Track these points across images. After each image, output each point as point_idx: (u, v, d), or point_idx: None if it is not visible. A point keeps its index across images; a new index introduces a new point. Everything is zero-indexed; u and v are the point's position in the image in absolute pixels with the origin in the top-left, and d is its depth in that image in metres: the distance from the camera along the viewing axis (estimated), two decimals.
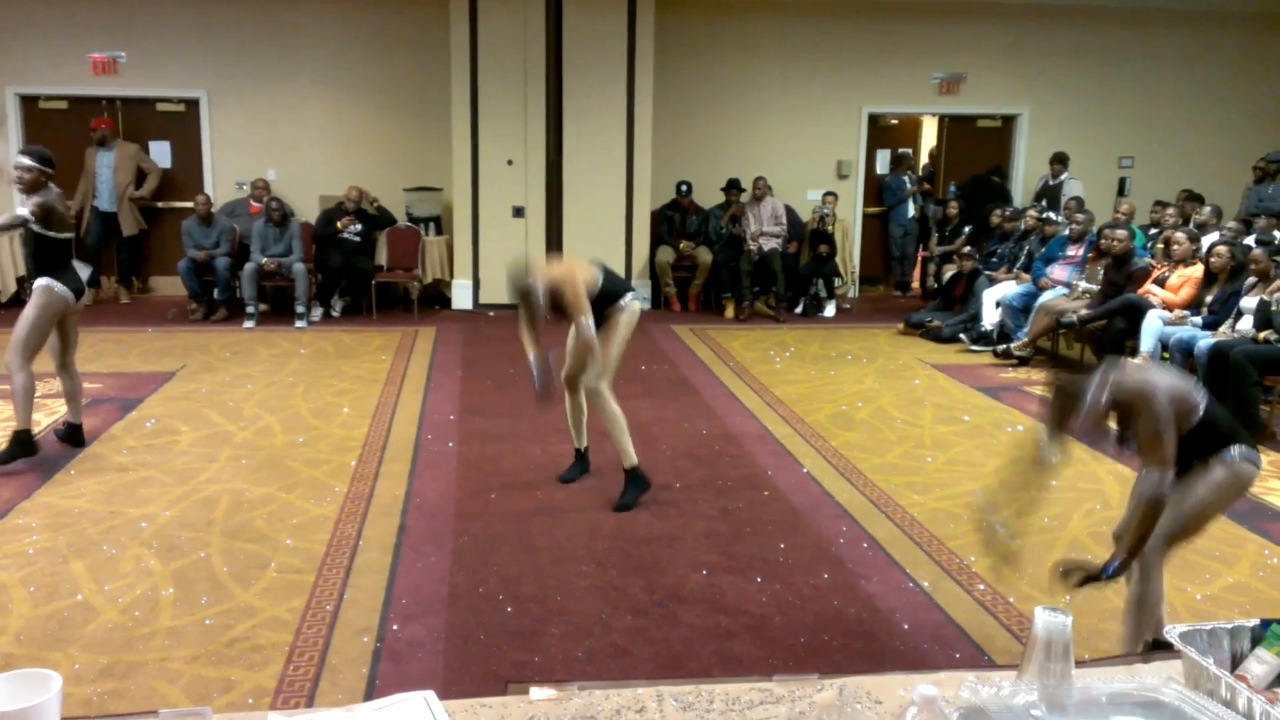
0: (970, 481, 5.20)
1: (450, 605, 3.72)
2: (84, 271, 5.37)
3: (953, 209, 10.54)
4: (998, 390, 7.12)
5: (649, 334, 8.85)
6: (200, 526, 4.42)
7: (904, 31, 10.95)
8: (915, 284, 11.48)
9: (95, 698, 3.06)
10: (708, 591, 3.88)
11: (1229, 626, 1.67)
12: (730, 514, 4.69)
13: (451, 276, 10.14)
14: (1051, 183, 10.60)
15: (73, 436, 5.49)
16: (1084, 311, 7.63)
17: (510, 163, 9.83)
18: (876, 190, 11.50)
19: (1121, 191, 11.38)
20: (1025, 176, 11.46)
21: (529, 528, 4.48)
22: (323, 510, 4.64)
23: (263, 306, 9.34)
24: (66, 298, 5.14)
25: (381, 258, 9.79)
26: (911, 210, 11.27)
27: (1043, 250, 8.74)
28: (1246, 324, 6.46)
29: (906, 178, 11.30)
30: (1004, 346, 8.20)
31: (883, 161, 11.54)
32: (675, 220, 10.26)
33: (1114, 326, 7.36)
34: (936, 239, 10.72)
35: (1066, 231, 8.62)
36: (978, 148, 11.60)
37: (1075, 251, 8.41)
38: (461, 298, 10.09)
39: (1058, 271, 8.42)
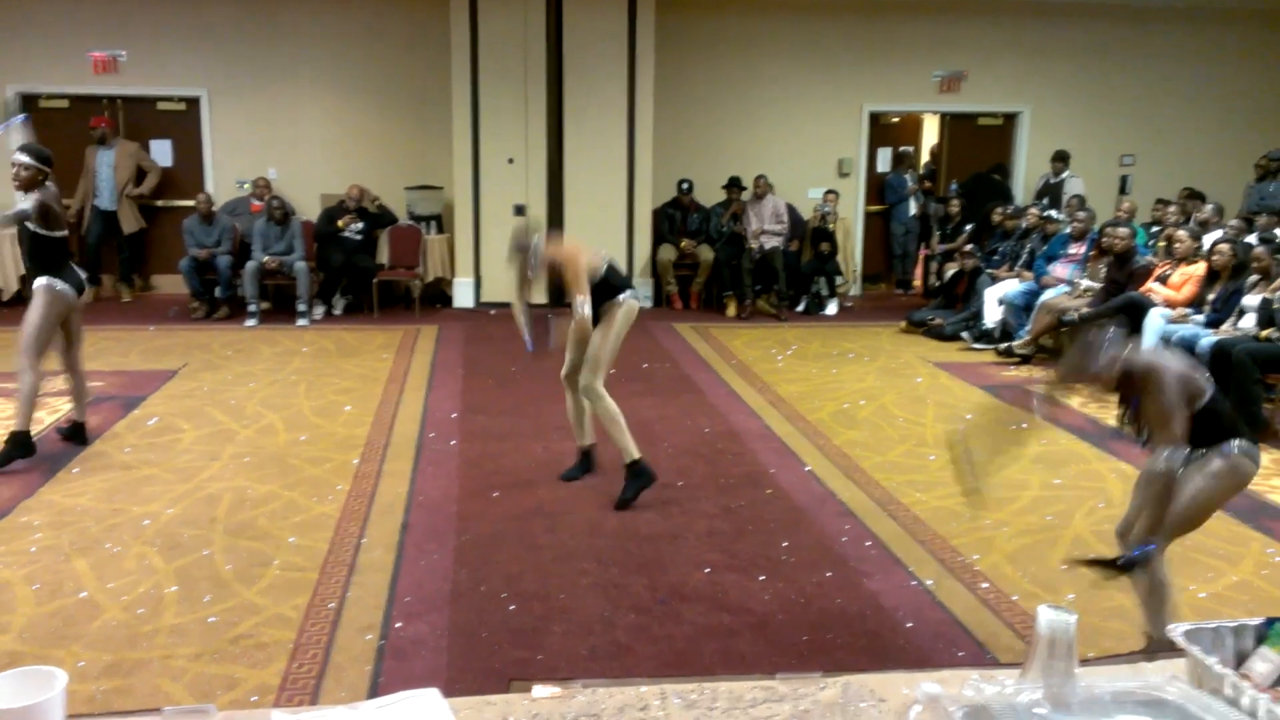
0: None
1: (453, 603, 3.73)
2: (79, 272, 5.36)
3: (954, 207, 10.53)
4: (1000, 389, 7.11)
5: (651, 332, 8.85)
6: (203, 524, 4.43)
7: (905, 29, 10.94)
8: (917, 282, 11.46)
9: (99, 695, 3.06)
10: (710, 589, 3.88)
11: (1233, 625, 1.66)
12: (733, 512, 4.69)
13: (453, 275, 10.14)
14: (1053, 180, 10.59)
15: (76, 434, 5.49)
16: (1086, 310, 7.62)
17: (511, 161, 9.83)
18: (878, 188, 11.48)
19: (1123, 189, 11.36)
20: (1027, 174, 11.44)
21: (531, 526, 4.49)
22: (325, 508, 4.65)
23: (264, 305, 9.34)
24: (68, 295, 5.14)
25: (383, 256, 9.79)
26: (913, 208, 11.26)
27: (1044, 248, 8.73)
28: (1248, 322, 6.45)
29: (908, 176, 11.29)
30: (1006, 345, 8.20)
31: (884, 159, 11.53)
32: (677, 218, 10.25)
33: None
34: (938, 237, 10.71)
35: (1068, 229, 8.61)
36: (979, 145, 11.58)
37: (1077, 249, 8.40)
38: (463, 296, 10.09)
39: (1059, 269, 8.41)
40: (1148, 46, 11.27)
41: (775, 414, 6.37)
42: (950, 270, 9.71)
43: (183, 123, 10.40)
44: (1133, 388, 3.03)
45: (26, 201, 5.02)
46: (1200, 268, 7.15)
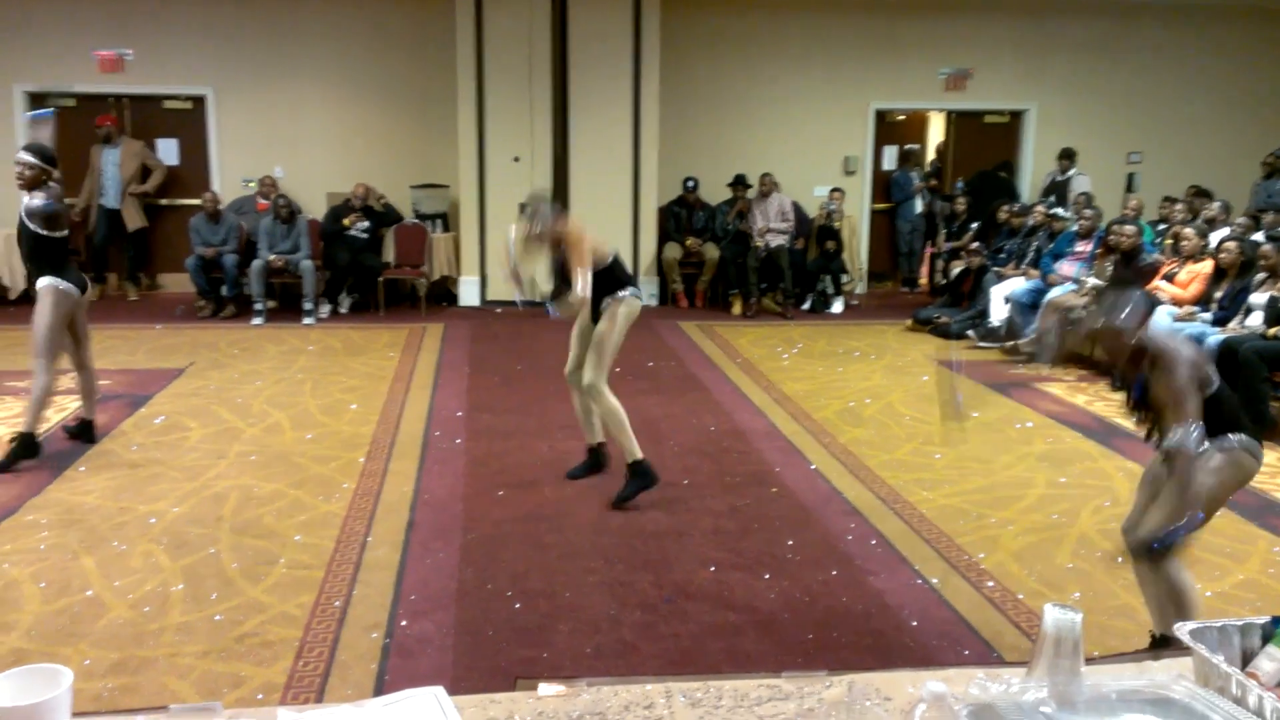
0: (980, 478, 5.19)
1: (459, 601, 3.73)
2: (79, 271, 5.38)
3: (960, 205, 10.52)
4: (1006, 387, 7.10)
5: (656, 330, 8.85)
6: (209, 523, 4.44)
7: (911, 27, 10.92)
8: (923, 280, 11.45)
9: (106, 693, 3.07)
10: (716, 588, 3.88)
11: (1239, 623, 1.66)
12: (738, 510, 4.69)
13: (459, 273, 10.15)
14: (1059, 178, 10.57)
15: (84, 433, 5.51)
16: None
17: (517, 159, 9.83)
18: (884, 186, 11.47)
19: (1130, 187, 11.34)
20: (1033, 172, 11.42)
21: (537, 524, 4.49)
22: (331, 507, 4.65)
23: (270, 303, 9.36)
24: (73, 294, 5.14)
25: (389, 254, 9.80)
26: (919, 206, 11.25)
27: (1051, 246, 8.71)
28: (1256, 320, 6.43)
29: (914, 174, 11.28)
30: (1012, 343, 8.18)
31: (890, 157, 11.52)
32: (682, 216, 10.25)
33: None
34: (944, 235, 10.70)
35: (1075, 227, 8.59)
36: (985, 143, 11.56)
37: (1084, 247, 8.38)
38: (469, 294, 10.10)
39: (1066, 267, 8.39)
40: (1155, 43, 11.24)
41: (781, 412, 6.37)
42: (956, 268, 9.70)
43: (189, 121, 10.42)
44: (1140, 364, 2.99)
45: (36, 199, 5.01)
46: (1207, 265, 7.13)
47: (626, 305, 4.66)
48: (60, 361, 5.28)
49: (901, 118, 11.71)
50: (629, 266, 9.50)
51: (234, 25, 10.14)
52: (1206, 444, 2.96)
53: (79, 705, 1.46)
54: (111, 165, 9.80)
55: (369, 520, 4.51)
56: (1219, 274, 6.96)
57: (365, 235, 9.53)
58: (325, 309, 9.46)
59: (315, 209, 10.04)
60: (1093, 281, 8.04)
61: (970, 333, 8.67)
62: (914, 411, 6.43)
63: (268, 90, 10.31)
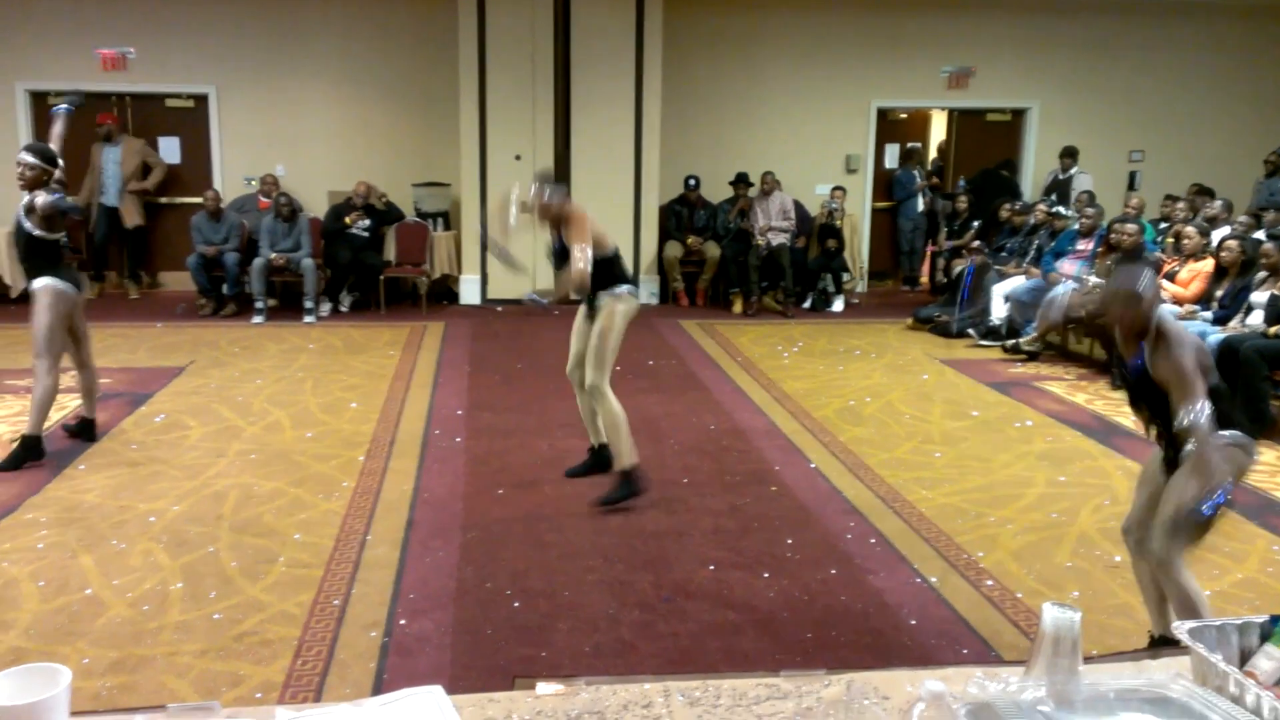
0: (978, 477, 5.19)
1: (458, 600, 3.73)
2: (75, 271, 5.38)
3: (962, 203, 10.51)
4: (1007, 385, 7.10)
5: (656, 329, 8.85)
6: (209, 521, 4.44)
7: (913, 25, 10.92)
8: (924, 279, 11.45)
9: (104, 692, 3.07)
10: (715, 587, 3.88)
11: (1237, 622, 1.66)
12: (738, 509, 4.68)
13: (460, 272, 10.15)
14: (1061, 176, 10.56)
15: (84, 431, 5.51)
16: (1093, 307, 7.58)
17: (519, 158, 9.82)
18: (885, 185, 11.47)
19: (1132, 185, 11.33)
20: (1035, 170, 11.42)
21: (537, 523, 4.49)
22: (331, 505, 4.65)
23: (271, 302, 9.36)
24: (69, 294, 5.13)
25: (390, 253, 9.80)
26: (920, 205, 11.24)
27: (1052, 244, 8.70)
28: (1257, 319, 6.43)
29: (916, 172, 11.27)
30: (1013, 341, 8.18)
31: (892, 156, 11.51)
32: (683, 215, 10.25)
33: None
34: (945, 233, 10.68)
35: (1076, 226, 8.58)
36: (987, 142, 11.56)
37: (1085, 246, 8.37)
38: (470, 293, 10.10)
39: (1067, 266, 8.38)
40: (1157, 41, 11.23)
41: (781, 411, 6.36)
42: (957, 267, 9.69)
43: (191, 120, 10.42)
44: (1143, 341, 2.95)
45: (41, 196, 5.00)
46: (1208, 264, 7.12)
47: (625, 304, 4.63)
48: (61, 361, 5.27)
49: (903, 116, 11.70)
50: (630, 265, 9.54)
51: (236, 24, 10.14)
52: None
53: (77, 704, 1.46)
54: (112, 163, 9.80)
55: (368, 519, 4.51)
56: (1220, 272, 6.95)
57: (366, 233, 9.52)
58: (326, 307, 9.45)
59: (316, 207, 10.04)
60: (1094, 280, 8.04)
61: (971, 331, 8.66)
62: (914, 410, 6.43)
63: (269, 89, 10.31)
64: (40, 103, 10.08)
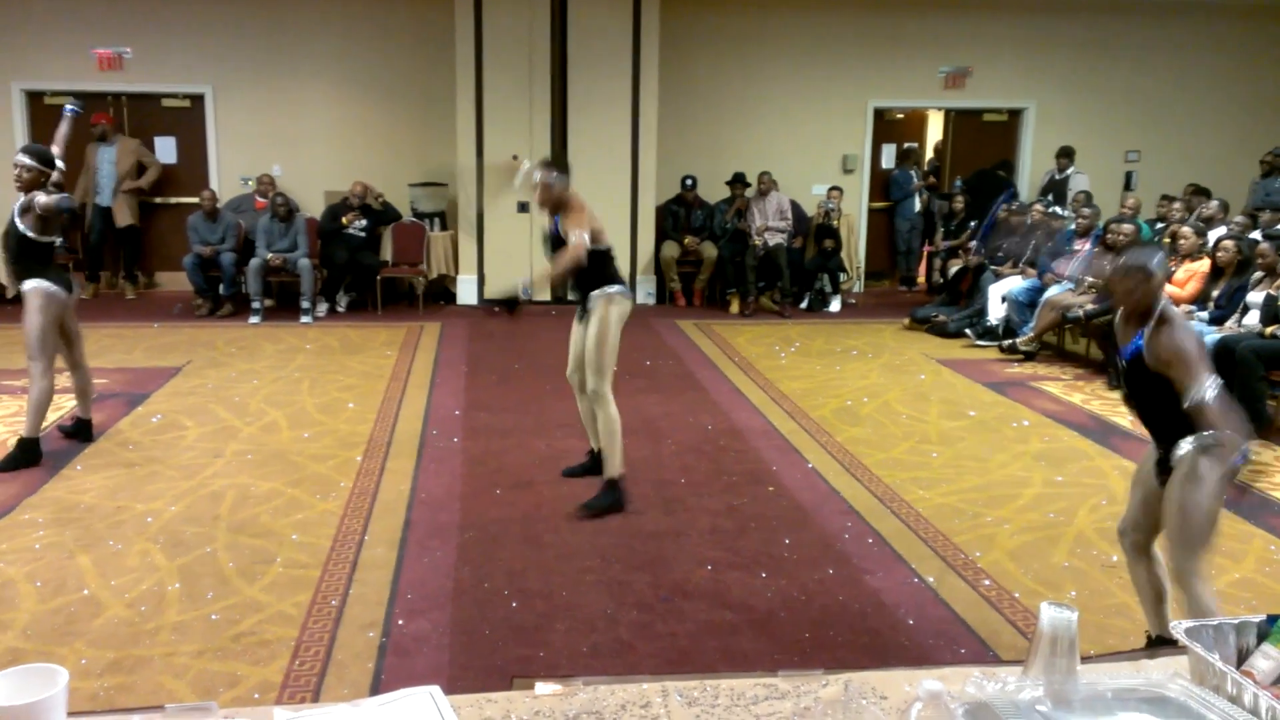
0: (975, 477, 5.20)
1: (455, 600, 3.73)
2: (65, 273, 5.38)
3: (958, 203, 10.52)
4: (1003, 385, 7.11)
5: (654, 329, 8.85)
6: (206, 522, 4.43)
7: (910, 25, 10.92)
8: (921, 279, 11.46)
9: (102, 692, 3.07)
10: (713, 587, 3.88)
11: (1235, 622, 1.66)
12: (735, 509, 4.68)
13: (456, 272, 10.14)
14: (1058, 177, 10.57)
15: (81, 432, 5.50)
16: (1090, 306, 7.60)
17: (516, 158, 9.82)
18: (882, 185, 11.47)
19: (1128, 186, 11.33)
20: (1032, 170, 11.42)
21: (534, 523, 4.49)
22: (328, 505, 4.65)
23: (268, 302, 9.35)
24: (60, 295, 5.12)
25: (387, 253, 9.79)
26: (917, 205, 11.25)
27: (1049, 245, 8.71)
28: (1253, 319, 6.43)
29: (912, 172, 11.27)
30: (1009, 341, 8.19)
31: (888, 156, 11.52)
32: (680, 215, 10.25)
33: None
34: (942, 233, 10.70)
35: (1073, 226, 8.59)
36: (984, 142, 11.56)
37: (1082, 246, 8.39)
38: (466, 293, 10.09)
39: (1063, 266, 8.38)
40: (1153, 42, 11.24)
41: (778, 411, 6.37)
42: (954, 267, 9.70)
43: (187, 120, 10.41)
44: (1145, 323, 2.94)
45: (41, 194, 4.99)
46: (1205, 264, 7.13)
47: (618, 306, 4.59)
48: (56, 363, 5.27)
49: (900, 116, 11.70)
50: (627, 265, 9.57)
51: (233, 24, 10.13)
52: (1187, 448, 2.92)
53: (75, 704, 1.46)
54: (107, 163, 9.78)
55: (366, 519, 4.50)
56: (1216, 273, 6.96)
57: (363, 234, 9.52)
58: (323, 307, 9.44)
59: (313, 207, 10.03)
60: (1090, 280, 8.05)
61: (968, 331, 8.67)
62: (911, 410, 6.43)
63: (266, 89, 10.29)
64: (37, 102, 10.07)
